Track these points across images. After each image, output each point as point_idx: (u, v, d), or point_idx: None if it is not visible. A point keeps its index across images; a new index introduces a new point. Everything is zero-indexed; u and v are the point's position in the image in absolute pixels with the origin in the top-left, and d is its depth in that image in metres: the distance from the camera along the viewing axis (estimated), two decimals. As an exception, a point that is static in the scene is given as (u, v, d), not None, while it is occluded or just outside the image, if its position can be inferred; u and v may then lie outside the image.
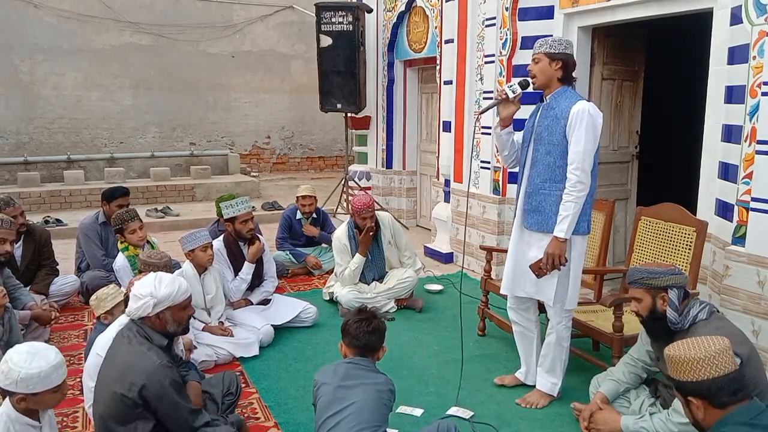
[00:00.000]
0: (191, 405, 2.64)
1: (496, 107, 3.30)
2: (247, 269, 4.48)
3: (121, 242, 4.53)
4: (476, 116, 3.64)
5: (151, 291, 2.60)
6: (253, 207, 4.80)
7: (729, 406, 1.99)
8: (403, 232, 5.29)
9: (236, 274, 4.49)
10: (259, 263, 4.59)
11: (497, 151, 3.46)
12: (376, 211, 4.89)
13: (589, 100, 5.23)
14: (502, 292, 3.51)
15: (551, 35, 3.25)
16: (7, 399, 2.27)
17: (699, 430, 2.15)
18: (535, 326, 3.50)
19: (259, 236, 4.71)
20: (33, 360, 2.22)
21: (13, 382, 2.19)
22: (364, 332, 2.67)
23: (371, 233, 4.78)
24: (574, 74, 3.23)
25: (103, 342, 2.96)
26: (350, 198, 8.30)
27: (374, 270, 4.94)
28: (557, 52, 3.12)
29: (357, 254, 4.82)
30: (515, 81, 3.23)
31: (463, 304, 5.06)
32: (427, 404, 3.39)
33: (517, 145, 3.37)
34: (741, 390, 2.01)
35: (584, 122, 3.02)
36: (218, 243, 4.46)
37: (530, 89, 3.27)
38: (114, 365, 2.56)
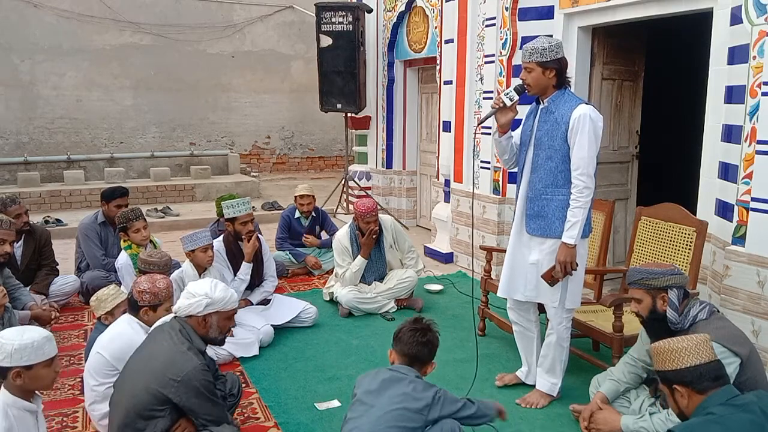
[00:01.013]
0: (221, 406, 2.71)
1: (494, 115, 3.28)
2: (245, 269, 4.48)
3: (124, 240, 4.53)
4: (476, 126, 3.63)
5: (206, 291, 2.69)
6: (253, 207, 4.80)
7: (709, 390, 2.18)
8: (405, 233, 5.29)
9: (235, 274, 4.49)
10: (258, 263, 4.59)
11: (497, 151, 3.44)
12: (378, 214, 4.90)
13: (589, 101, 5.25)
14: (499, 295, 3.51)
15: (538, 37, 3.20)
16: (2, 387, 2.30)
17: (682, 419, 2.29)
18: (535, 326, 3.50)
19: (259, 236, 4.71)
20: (24, 333, 2.30)
21: (8, 355, 2.24)
22: (418, 342, 2.61)
23: (374, 236, 4.79)
24: (568, 74, 3.21)
25: (104, 340, 2.97)
26: (350, 198, 8.31)
27: (375, 272, 4.95)
28: (549, 60, 3.07)
29: (359, 256, 4.83)
30: (511, 88, 3.22)
31: (464, 303, 5.09)
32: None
33: (516, 148, 3.36)
34: (721, 377, 2.22)
35: (586, 127, 3.01)
36: (218, 243, 4.47)
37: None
38: (153, 358, 2.59)
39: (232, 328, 4.04)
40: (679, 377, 2.21)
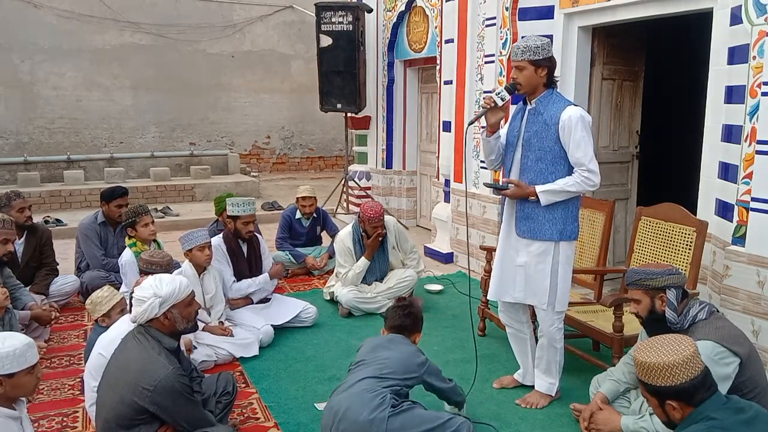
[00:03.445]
0: (201, 408, 2.67)
1: (484, 115, 3.25)
2: (263, 279, 4.60)
3: (130, 237, 4.54)
4: (467, 126, 3.62)
5: (154, 291, 2.61)
6: (254, 208, 4.81)
7: (704, 400, 2.12)
8: (407, 234, 5.29)
9: (234, 272, 4.50)
10: (257, 259, 4.64)
11: (484, 151, 3.41)
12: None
13: (589, 101, 5.25)
14: (489, 297, 3.50)
15: (529, 36, 3.20)
16: None
17: (671, 428, 2.24)
18: (527, 327, 3.50)
19: (259, 236, 4.73)
20: (5, 341, 2.23)
21: None
22: (401, 315, 3.06)
23: (380, 239, 4.79)
24: (565, 74, 3.21)
25: (105, 341, 2.95)
26: (350, 198, 8.32)
27: (377, 272, 4.96)
28: (541, 58, 3.07)
29: (362, 258, 4.84)
30: (502, 87, 3.20)
31: (464, 303, 5.09)
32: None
33: (503, 148, 3.33)
34: (713, 384, 2.15)
35: (579, 126, 3.03)
36: (218, 239, 4.48)
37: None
38: (125, 369, 2.55)
39: (231, 327, 4.13)
40: (675, 393, 2.12)
